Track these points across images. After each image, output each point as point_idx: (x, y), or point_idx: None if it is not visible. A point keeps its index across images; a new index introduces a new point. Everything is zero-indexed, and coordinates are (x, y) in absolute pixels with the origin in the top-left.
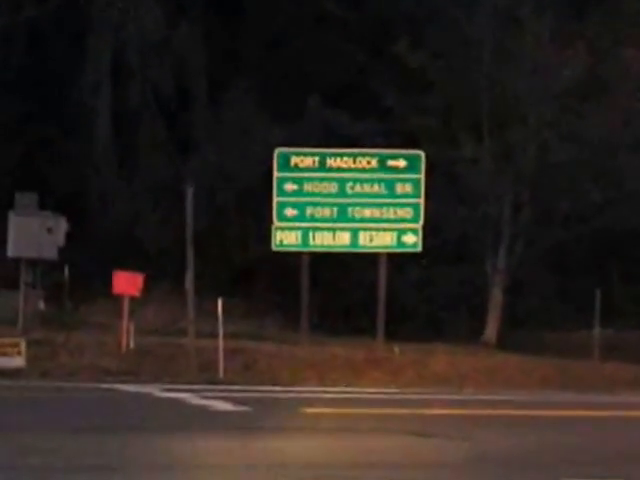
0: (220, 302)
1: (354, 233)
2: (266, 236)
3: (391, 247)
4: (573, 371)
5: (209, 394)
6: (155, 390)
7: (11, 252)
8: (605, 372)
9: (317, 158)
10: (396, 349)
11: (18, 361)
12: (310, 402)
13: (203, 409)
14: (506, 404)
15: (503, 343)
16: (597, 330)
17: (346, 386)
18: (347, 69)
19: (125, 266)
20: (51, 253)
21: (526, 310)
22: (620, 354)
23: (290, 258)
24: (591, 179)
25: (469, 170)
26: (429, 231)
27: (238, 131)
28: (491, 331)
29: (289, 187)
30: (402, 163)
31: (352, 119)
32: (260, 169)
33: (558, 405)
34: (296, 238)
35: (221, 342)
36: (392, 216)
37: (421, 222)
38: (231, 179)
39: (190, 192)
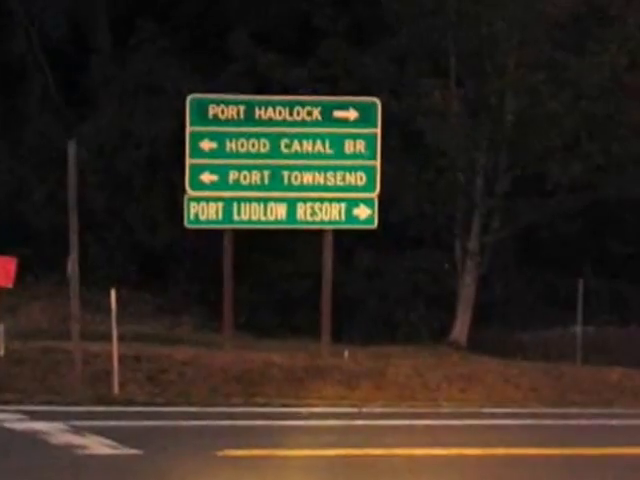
0: (113, 294)
1: (291, 205)
2: (180, 213)
3: (339, 223)
4: (569, 378)
5: (88, 423)
6: (11, 417)
7: None
8: (610, 379)
9: (243, 107)
10: (346, 354)
11: None
12: (233, 436)
13: (66, 453)
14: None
15: (474, 344)
16: (579, 328)
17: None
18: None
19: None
20: None
21: (495, 305)
22: (604, 355)
23: (210, 239)
24: (590, 136)
25: (435, 126)
26: (384, 205)
27: (146, 84)
28: (460, 329)
29: (206, 145)
30: (353, 114)
31: (288, 64)
32: (172, 129)
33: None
34: (216, 212)
35: (115, 346)
36: (340, 183)
37: (377, 191)
38: (137, 144)
39: (72, 148)
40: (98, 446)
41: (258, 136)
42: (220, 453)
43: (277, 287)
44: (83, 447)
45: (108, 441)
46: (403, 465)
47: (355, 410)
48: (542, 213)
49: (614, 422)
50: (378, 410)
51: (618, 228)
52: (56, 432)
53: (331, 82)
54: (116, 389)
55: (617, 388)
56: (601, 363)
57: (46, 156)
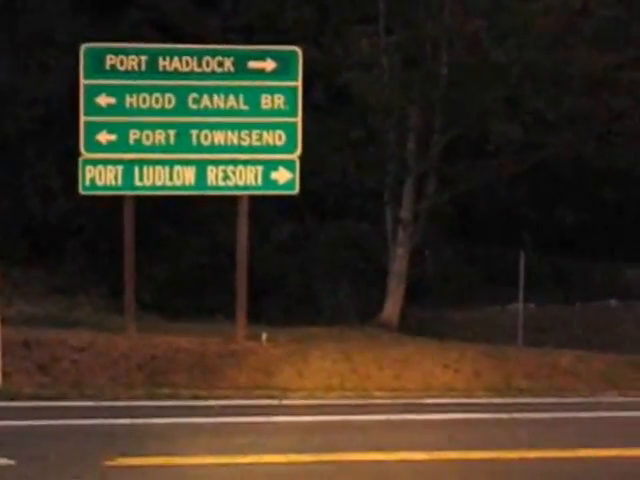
0: None
1: (200, 168)
2: (75, 179)
3: (255, 188)
4: (514, 362)
5: None
6: None
7: None
8: (559, 363)
9: (145, 58)
10: (264, 337)
11: None
12: (130, 438)
13: None
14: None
15: (407, 324)
16: (520, 306)
17: None
18: None
19: None
20: None
21: (430, 281)
22: (546, 335)
23: (111, 208)
24: (539, 92)
25: (362, 80)
26: (307, 168)
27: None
28: (392, 308)
29: (103, 101)
30: (270, 65)
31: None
32: (69, 86)
33: None
34: (115, 176)
35: None
36: (256, 143)
37: (298, 152)
38: (28, 102)
39: None
40: None
41: (162, 90)
42: (109, 462)
43: (187, 262)
44: None
45: None
46: (333, 476)
47: (274, 402)
48: (482, 178)
49: (583, 414)
50: (301, 402)
51: (565, 195)
52: None
53: (248, 32)
54: None
55: (568, 373)
56: (543, 343)
57: None
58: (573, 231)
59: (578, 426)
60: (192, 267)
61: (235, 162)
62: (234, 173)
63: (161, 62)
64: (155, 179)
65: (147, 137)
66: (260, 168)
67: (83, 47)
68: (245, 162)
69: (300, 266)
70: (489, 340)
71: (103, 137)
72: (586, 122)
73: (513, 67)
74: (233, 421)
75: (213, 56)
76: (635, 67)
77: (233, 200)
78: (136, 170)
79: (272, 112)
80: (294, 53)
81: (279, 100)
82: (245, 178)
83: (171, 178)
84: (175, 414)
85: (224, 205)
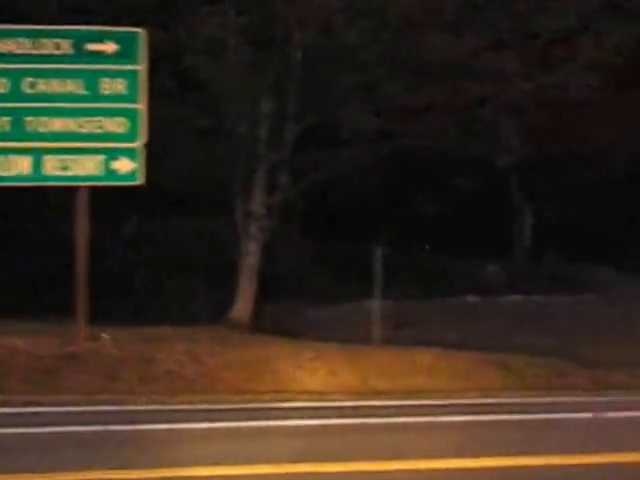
0: None
1: (37, 157)
2: None
3: (95, 179)
4: (370, 361)
5: None
6: None
7: None
8: (420, 362)
9: None
10: (105, 336)
11: None
12: None
13: None
14: None
15: (260, 323)
16: (376, 302)
17: None
18: None
19: None
20: None
21: (283, 277)
22: (404, 332)
23: None
24: (395, 78)
25: (210, 64)
26: (153, 158)
27: None
28: (243, 306)
29: None
30: (110, 47)
31: None
32: None
33: None
34: None
35: None
36: (96, 130)
37: (141, 140)
38: None
39: None
40: None
41: None
42: None
43: (25, 258)
44: None
45: None
46: None
47: (115, 408)
48: (336, 168)
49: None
50: (143, 407)
51: (423, 186)
52: None
53: (87, 14)
54: None
55: (428, 372)
56: (402, 341)
57: None
58: (431, 225)
59: (433, 432)
60: (30, 263)
61: (73, 151)
62: (73, 163)
63: None
64: None
65: None
66: (100, 157)
67: None
68: (84, 151)
69: (148, 262)
70: (346, 338)
71: None
72: (444, 110)
73: (368, 51)
74: (66, 431)
75: (49, 37)
76: (495, 53)
77: (73, 190)
78: None
79: (113, 98)
80: (136, 35)
81: (120, 85)
82: (84, 168)
83: (5, 168)
84: (3, 424)
85: (64, 196)
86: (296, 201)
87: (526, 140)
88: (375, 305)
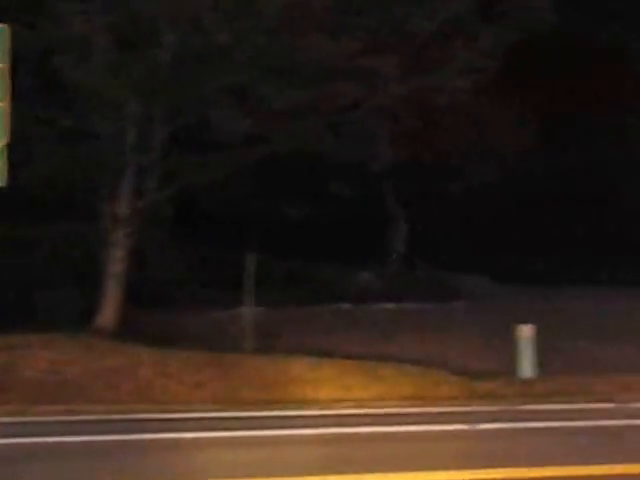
0: None
1: None
2: None
3: None
4: (240, 370)
5: None
6: None
7: None
8: (290, 371)
9: None
10: None
11: None
12: None
13: None
14: None
15: (127, 330)
16: (247, 310)
17: None
18: None
19: None
20: None
21: (152, 284)
22: (276, 340)
23: None
24: (266, 79)
25: (75, 62)
26: (18, 160)
27: None
28: (109, 313)
29: None
30: None
31: None
32: None
33: None
34: None
35: None
36: None
37: (6, 140)
38: None
39: None
40: None
41: None
42: None
43: None
44: None
45: None
46: None
47: None
48: (207, 172)
49: (308, 431)
50: (2, 419)
51: (295, 191)
52: None
53: None
54: None
55: (299, 381)
56: (274, 349)
57: None
58: (306, 231)
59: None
60: None
61: None
62: None
63: None
64: None
65: None
66: None
67: None
68: None
69: (14, 268)
70: (216, 347)
71: None
72: (316, 113)
73: (240, 51)
74: None
75: None
76: (373, 55)
77: None
78: None
79: None
80: (1, 31)
81: None
82: None
83: None
84: None
85: None
86: (166, 206)
87: (398, 145)
88: (246, 312)
